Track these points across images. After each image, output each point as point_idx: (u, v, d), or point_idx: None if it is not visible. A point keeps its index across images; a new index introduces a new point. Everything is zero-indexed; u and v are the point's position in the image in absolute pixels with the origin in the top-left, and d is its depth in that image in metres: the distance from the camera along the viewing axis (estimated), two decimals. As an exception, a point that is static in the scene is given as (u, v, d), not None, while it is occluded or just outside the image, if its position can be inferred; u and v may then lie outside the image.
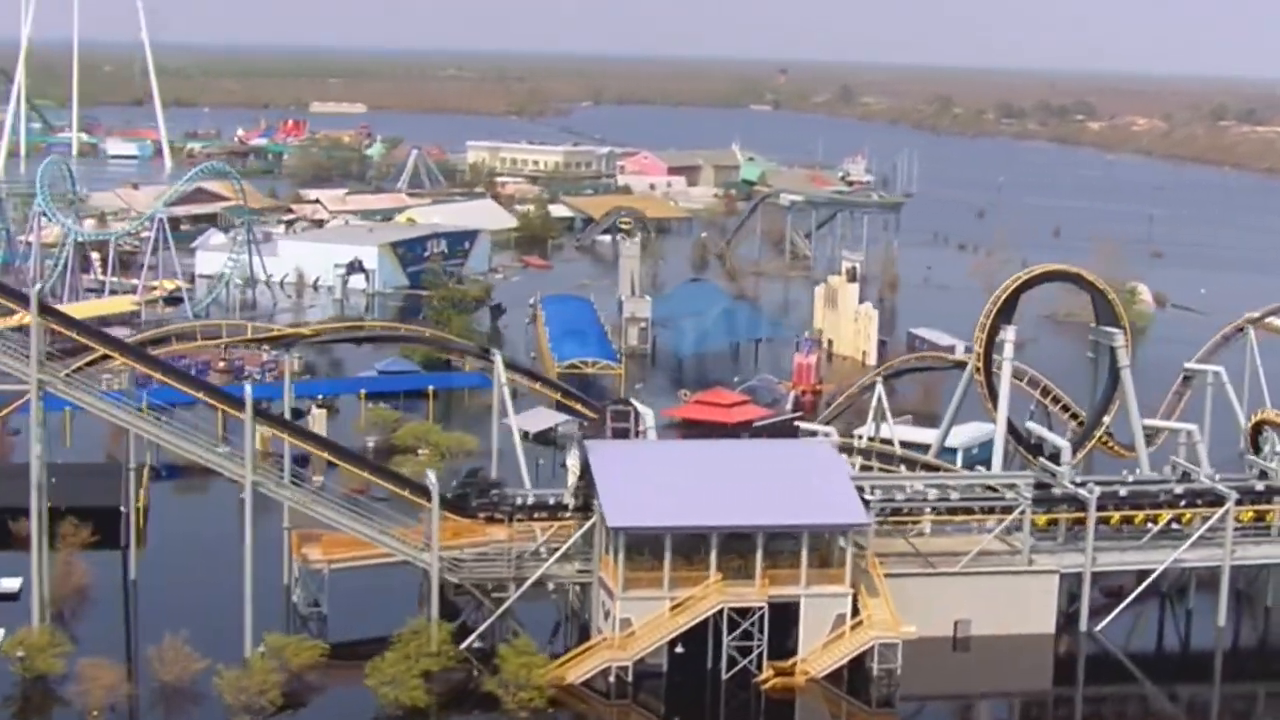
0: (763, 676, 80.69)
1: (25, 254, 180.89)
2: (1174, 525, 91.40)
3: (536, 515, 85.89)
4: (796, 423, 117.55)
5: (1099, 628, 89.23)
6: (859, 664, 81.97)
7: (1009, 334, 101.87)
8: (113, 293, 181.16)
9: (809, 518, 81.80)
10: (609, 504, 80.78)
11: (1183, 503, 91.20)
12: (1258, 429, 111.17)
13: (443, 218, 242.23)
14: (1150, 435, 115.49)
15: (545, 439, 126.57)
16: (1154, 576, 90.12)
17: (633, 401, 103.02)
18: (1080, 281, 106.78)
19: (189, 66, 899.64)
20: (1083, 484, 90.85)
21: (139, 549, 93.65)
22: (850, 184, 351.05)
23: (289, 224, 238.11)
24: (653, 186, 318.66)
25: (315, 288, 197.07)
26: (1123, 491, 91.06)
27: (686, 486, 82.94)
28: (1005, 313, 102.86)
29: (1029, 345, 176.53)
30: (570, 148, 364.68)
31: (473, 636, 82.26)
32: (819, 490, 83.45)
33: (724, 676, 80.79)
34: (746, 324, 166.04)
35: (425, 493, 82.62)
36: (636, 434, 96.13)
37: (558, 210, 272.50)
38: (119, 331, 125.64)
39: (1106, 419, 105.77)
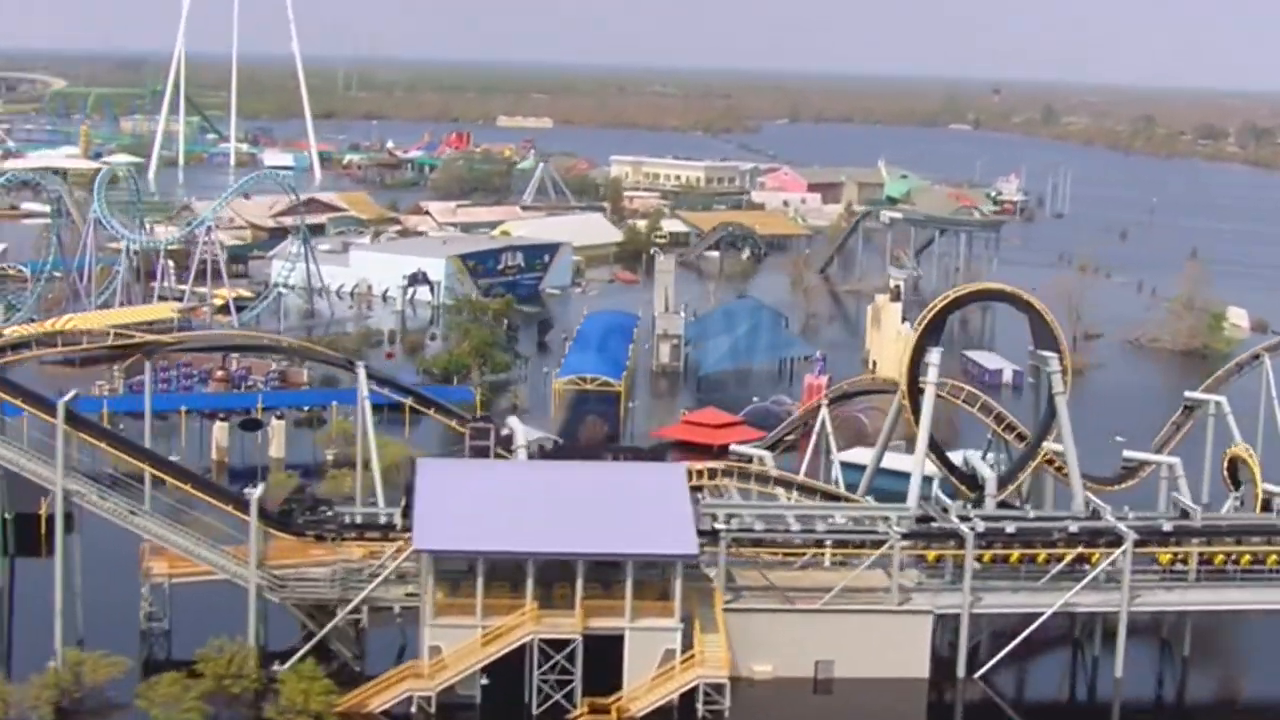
0: (575, 713, 75.95)
1: (76, 261, 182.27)
2: (1085, 565, 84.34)
3: (367, 535, 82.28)
4: (735, 445, 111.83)
5: (979, 674, 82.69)
6: (690, 703, 76.85)
7: (934, 356, 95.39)
8: (176, 299, 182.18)
9: (633, 546, 76.90)
10: (419, 525, 76.89)
11: (1080, 542, 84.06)
12: (1233, 464, 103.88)
13: (540, 231, 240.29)
14: (1134, 469, 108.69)
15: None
16: (1039, 622, 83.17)
17: (511, 420, 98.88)
18: (1015, 301, 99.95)
19: (397, 81, 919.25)
20: (966, 519, 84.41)
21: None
22: (999, 204, 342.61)
23: (375, 235, 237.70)
24: (786, 203, 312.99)
25: (385, 299, 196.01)
26: (1010, 528, 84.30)
27: (511, 510, 78.56)
28: (932, 333, 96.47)
29: (1097, 371, 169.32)
30: (712, 163, 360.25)
31: (292, 660, 78.77)
32: (651, 518, 78.45)
33: (535, 712, 76.28)
34: (778, 343, 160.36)
35: (246, 507, 79.61)
36: (509, 452, 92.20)
37: (672, 225, 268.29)
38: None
39: (1041, 450, 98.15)
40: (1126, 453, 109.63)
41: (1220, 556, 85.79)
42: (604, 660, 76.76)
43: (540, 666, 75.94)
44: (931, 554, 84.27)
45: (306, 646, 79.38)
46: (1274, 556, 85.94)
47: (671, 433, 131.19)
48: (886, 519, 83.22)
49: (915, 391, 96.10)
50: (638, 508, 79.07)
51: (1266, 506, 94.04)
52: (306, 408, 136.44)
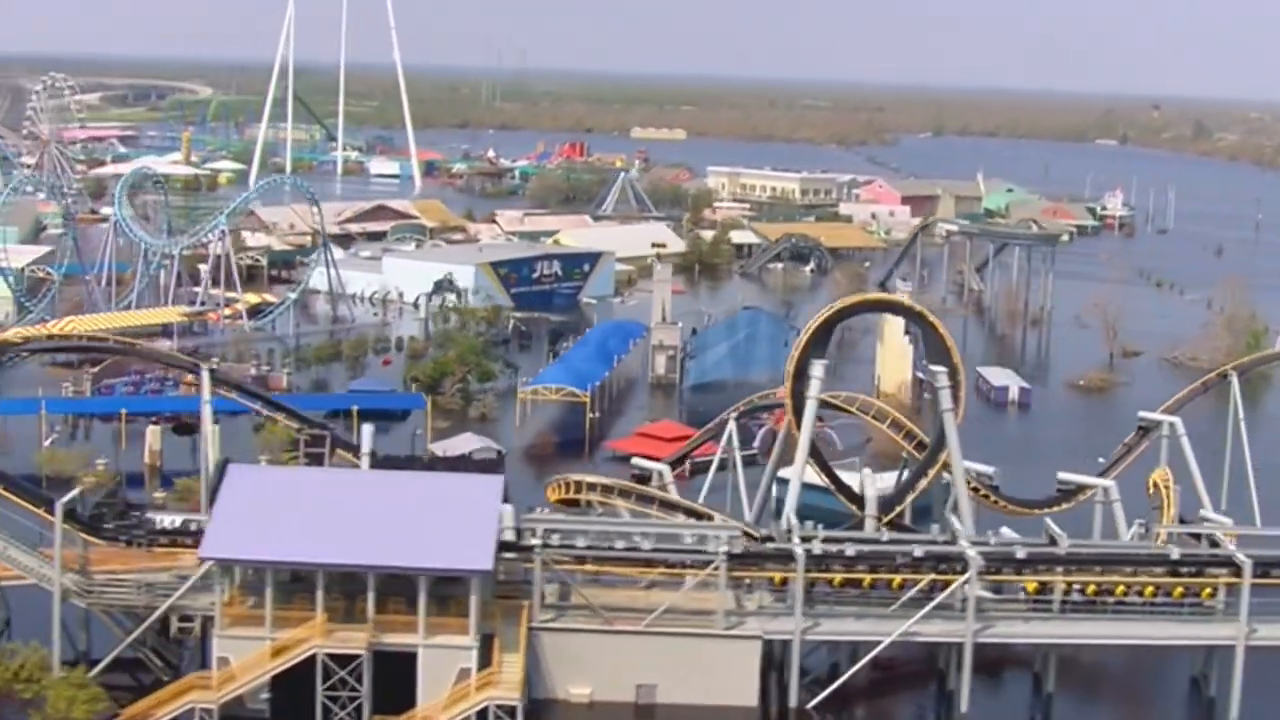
0: (361, 732, 73.24)
1: (95, 265, 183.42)
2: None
3: (180, 541, 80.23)
4: (640, 459, 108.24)
5: (813, 704, 78.51)
6: (485, 725, 73.74)
7: (817, 369, 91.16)
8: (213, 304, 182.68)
9: (424, 560, 73.90)
10: (210, 532, 74.75)
11: (927, 568, 79.47)
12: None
13: (600, 240, 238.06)
14: (1071, 492, 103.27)
15: (454, 463, 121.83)
16: (878, 650, 78.78)
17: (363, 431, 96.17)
18: (906, 312, 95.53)
19: (549, 92, 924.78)
20: (808, 540, 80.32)
21: None
22: (1102, 219, 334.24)
23: (419, 242, 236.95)
24: (874, 216, 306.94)
25: (416, 305, 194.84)
26: (850, 551, 79.94)
27: (311, 519, 75.94)
28: (818, 344, 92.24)
29: (1121, 389, 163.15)
30: (808, 174, 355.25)
31: (99, 667, 77.02)
32: (451, 531, 75.35)
33: (321, 728, 73.68)
34: (776, 354, 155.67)
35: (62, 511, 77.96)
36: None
37: (745, 237, 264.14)
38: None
39: (932, 470, 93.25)
40: (1061, 474, 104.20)
41: (1092, 587, 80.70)
42: (400, 678, 73.93)
43: (326, 681, 73.19)
44: (778, 576, 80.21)
45: (111, 655, 77.57)
46: (1151, 589, 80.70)
47: (624, 445, 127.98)
48: (718, 538, 79.20)
49: (799, 404, 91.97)
50: (440, 521, 76.02)
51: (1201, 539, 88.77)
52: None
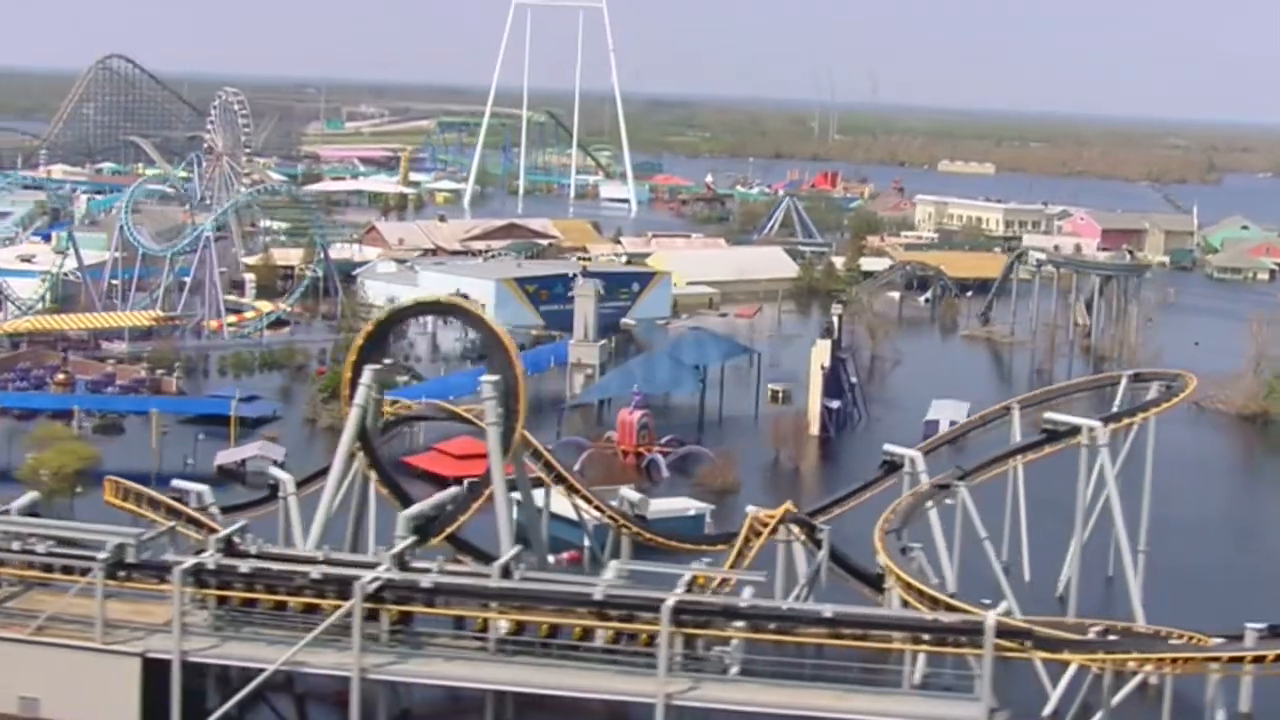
0: None
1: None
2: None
3: None
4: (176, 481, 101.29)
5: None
6: None
7: (366, 375, 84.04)
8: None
9: None
10: None
11: (319, 593, 71.76)
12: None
13: (699, 262, 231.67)
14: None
15: (232, 473, 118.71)
16: (262, 678, 71.37)
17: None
18: (462, 314, 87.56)
19: (882, 126, 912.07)
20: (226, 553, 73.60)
21: None
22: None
23: (478, 254, 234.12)
24: (1057, 248, 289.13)
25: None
26: (244, 568, 72.77)
27: None
28: (371, 349, 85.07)
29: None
30: (1014, 205, 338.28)
31: None
32: None
33: None
34: (678, 378, 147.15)
35: None
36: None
37: (878, 263, 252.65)
38: None
39: (487, 490, 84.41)
40: (750, 508, 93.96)
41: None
42: None
43: None
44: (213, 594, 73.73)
45: None
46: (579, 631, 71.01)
47: (417, 461, 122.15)
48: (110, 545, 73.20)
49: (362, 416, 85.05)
50: None
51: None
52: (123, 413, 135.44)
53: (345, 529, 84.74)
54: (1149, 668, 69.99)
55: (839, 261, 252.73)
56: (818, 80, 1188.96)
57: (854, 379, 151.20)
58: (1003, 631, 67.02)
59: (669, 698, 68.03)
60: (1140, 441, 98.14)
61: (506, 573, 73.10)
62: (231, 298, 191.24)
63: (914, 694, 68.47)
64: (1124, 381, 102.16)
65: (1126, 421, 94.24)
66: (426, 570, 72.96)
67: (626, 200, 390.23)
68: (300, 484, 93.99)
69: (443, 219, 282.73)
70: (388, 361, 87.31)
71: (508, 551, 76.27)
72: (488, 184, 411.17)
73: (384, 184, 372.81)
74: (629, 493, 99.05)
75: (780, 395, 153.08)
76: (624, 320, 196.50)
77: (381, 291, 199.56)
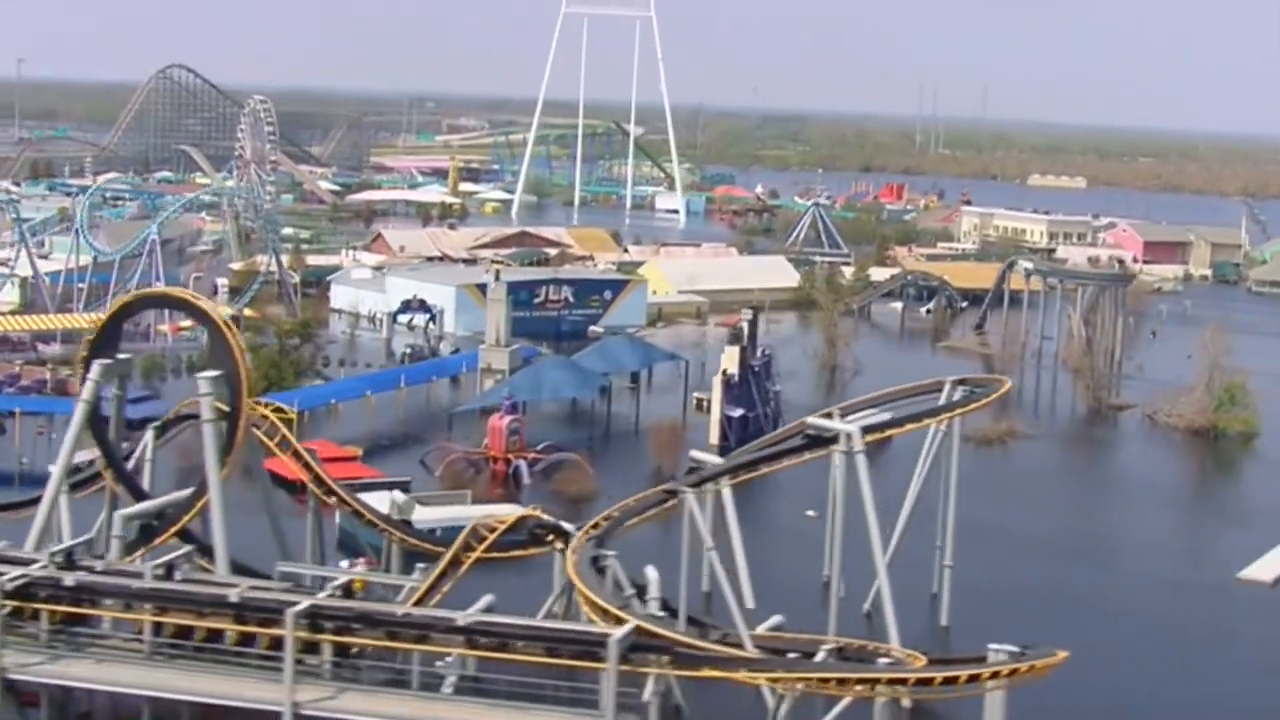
0: None
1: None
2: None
3: None
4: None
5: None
6: None
7: (95, 370, 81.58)
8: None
9: None
10: None
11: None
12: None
13: (697, 271, 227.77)
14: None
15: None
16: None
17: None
18: (189, 309, 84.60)
19: (987, 139, 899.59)
20: None
21: None
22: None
23: (467, 263, 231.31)
24: (1089, 259, 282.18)
25: (374, 322, 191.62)
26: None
27: None
28: (101, 346, 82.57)
29: (1040, 442, 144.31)
30: (1058, 217, 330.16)
31: None
32: None
33: None
34: (575, 382, 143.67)
35: None
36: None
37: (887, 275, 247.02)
38: None
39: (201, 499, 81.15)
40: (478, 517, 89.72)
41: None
42: None
43: None
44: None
45: None
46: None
47: (273, 465, 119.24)
48: None
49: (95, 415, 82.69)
50: None
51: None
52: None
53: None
54: (800, 686, 65.35)
55: (848, 271, 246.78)
56: (921, 95, 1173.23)
57: (777, 387, 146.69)
58: (638, 646, 63.13)
59: (296, 706, 64.62)
60: (946, 449, 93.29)
61: (169, 573, 70.17)
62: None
63: (551, 708, 64.52)
64: (947, 386, 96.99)
65: (887, 433, 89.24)
66: (90, 569, 70.31)
67: (675, 211, 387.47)
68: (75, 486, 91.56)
69: (452, 226, 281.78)
70: (122, 356, 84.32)
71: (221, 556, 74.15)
72: (546, 195, 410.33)
73: (434, 194, 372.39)
74: (399, 496, 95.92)
75: (704, 403, 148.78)
76: (592, 328, 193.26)
77: (348, 297, 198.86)
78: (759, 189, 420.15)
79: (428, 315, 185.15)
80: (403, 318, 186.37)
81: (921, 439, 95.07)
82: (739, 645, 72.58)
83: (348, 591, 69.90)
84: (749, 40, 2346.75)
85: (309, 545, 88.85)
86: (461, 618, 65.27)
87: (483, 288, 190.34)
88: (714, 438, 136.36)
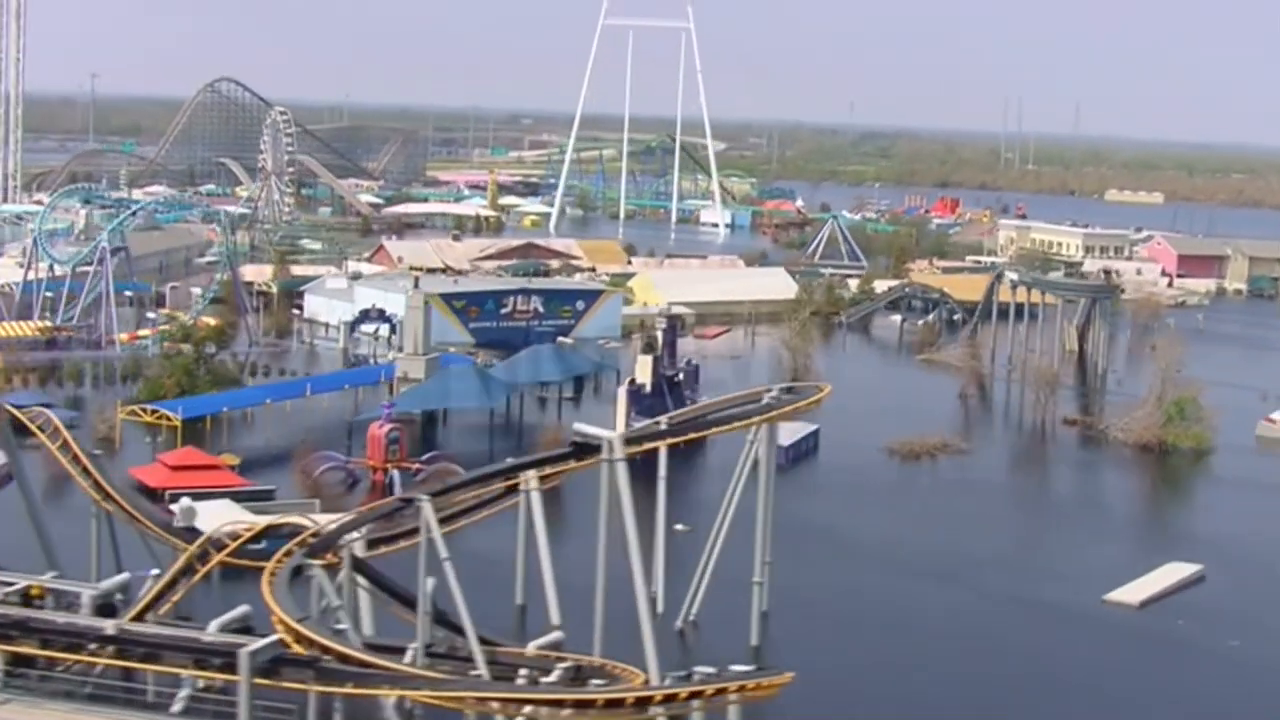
0: None
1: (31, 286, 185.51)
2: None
3: None
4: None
5: None
6: None
7: None
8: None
9: None
10: None
11: None
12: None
13: (692, 283, 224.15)
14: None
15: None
16: None
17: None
18: None
19: (1078, 155, 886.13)
20: None
21: None
22: None
23: (448, 273, 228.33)
24: (1117, 273, 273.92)
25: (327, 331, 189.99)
26: None
27: None
28: None
29: (961, 456, 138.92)
30: (1095, 230, 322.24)
31: None
32: None
33: None
34: (488, 390, 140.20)
35: None
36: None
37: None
38: None
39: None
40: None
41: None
42: None
43: None
44: None
45: None
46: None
47: (139, 473, 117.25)
48: None
49: None
50: None
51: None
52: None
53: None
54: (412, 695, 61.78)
55: (854, 284, 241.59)
56: (1006, 111, 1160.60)
57: (702, 398, 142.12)
58: (282, 660, 59.59)
59: (-58, 719, 61.61)
60: (763, 456, 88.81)
61: None
62: (166, 311, 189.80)
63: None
64: (774, 392, 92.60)
65: (649, 445, 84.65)
66: None
67: (716, 225, 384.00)
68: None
69: (456, 238, 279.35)
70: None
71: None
72: (592, 208, 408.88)
73: (471, 207, 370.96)
74: (186, 503, 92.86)
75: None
76: (561, 339, 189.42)
77: (319, 307, 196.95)
78: (799, 203, 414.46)
79: (388, 325, 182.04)
80: (367, 327, 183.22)
81: (739, 447, 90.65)
82: (470, 661, 68.68)
83: (26, 599, 66.76)
84: (846, 57, 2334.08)
85: (93, 553, 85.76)
86: (111, 626, 61.97)
87: (448, 298, 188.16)
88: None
